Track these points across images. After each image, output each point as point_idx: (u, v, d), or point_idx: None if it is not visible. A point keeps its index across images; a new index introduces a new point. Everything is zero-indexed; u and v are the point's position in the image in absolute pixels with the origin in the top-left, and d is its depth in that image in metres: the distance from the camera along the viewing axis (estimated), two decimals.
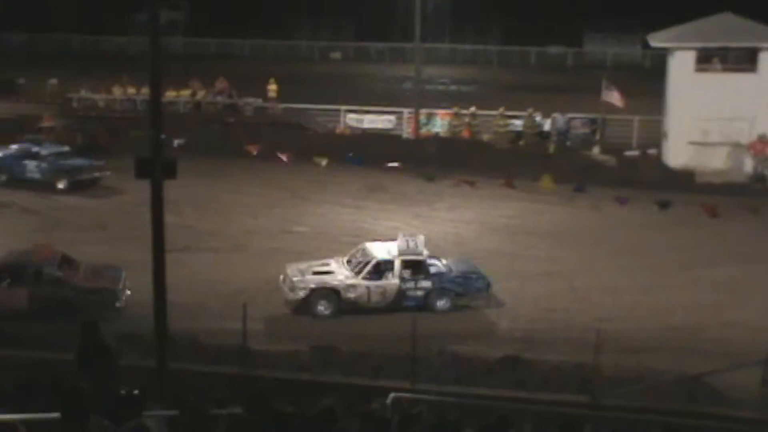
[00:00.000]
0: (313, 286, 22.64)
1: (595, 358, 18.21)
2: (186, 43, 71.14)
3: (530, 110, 39.46)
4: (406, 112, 40.54)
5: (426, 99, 41.45)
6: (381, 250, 23.25)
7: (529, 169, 33.57)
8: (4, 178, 33.38)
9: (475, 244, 28.11)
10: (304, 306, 22.65)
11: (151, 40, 16.16)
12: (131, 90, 42.16)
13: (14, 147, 34.16)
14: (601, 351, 18.16)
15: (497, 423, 10.26)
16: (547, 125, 39.43)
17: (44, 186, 32.81)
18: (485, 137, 39.51)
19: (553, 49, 61.40)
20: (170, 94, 38.90)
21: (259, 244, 27.72)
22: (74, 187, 32.87)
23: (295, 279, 22.81)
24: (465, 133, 39.70)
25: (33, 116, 40.03)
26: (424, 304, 22.71)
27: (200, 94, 41.79)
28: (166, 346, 16.00)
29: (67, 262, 23.19)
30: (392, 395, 15.55)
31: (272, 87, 42.90)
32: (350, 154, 34.07)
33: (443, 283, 23.02)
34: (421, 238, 23.54)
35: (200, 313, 22.12)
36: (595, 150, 38.00)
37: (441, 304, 22.95)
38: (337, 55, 68.82)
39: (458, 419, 9.97)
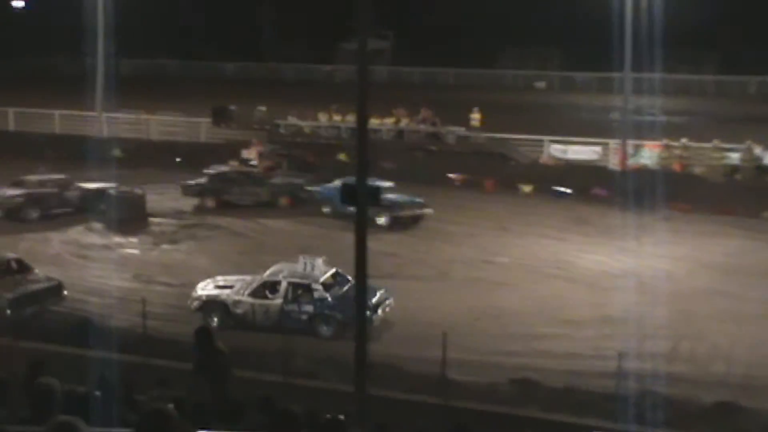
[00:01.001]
0: (204, 298, 23.07)
1: None
2: (391, 72, 72.10)
3: (749, 143, 37.39)
4: (612, 143, 39.24)
5: (634, 130, 40.01)
6: (277, 271, 23.34)
7: (746, 204, 31.72)
8: (329, 210, 32.99)
9: (686, 282, 26.65)
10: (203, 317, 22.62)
11: (358, 69, 16.04)
12: (337, 117, 42.78)
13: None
14: None
15: None
16: (767, 159, 37.23)
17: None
18: (697, 170, 37.68)
19: None
20: (374, 122, 39.13)
21: (462, 273, 27.25)
22: (395, 225, 31.71)
23: (197, 289, 23.43)
24: (675, 166, 37.99)
25: (241, 142, 41.27)
26: (308, 328, 22.23)
27: (404, 122, 41.90)
28: (367, 372, 15.70)
29: None
30: None
31: (475, 116, 42.59)
32: (556, 188, 33.24)
33: (324, 309, 22.37)
34: (318, 262, 23.36)
35: (401, 340, 21.80)
36: None
37: (324, 330, 22.39)
38: (541, 84, 68.01)
39: None
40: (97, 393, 8.70)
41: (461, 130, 41.57)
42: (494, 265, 28.20)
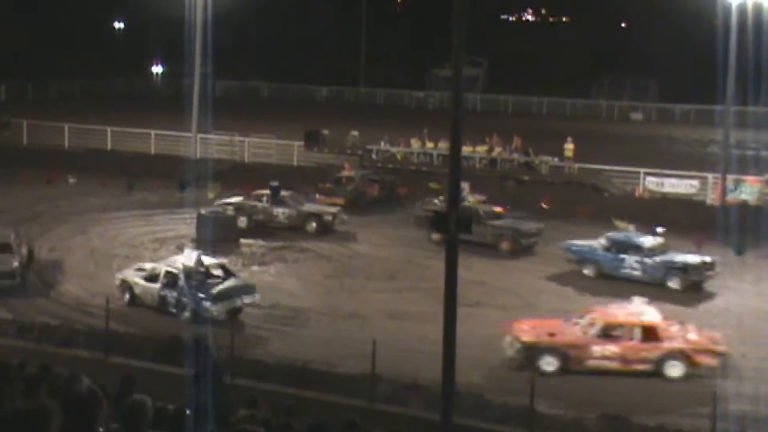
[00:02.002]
0: (120, 277, 25.99)
1: None
2: (483, 100, 71.81)
3: None
4: (711, 177, 38.29)
5: (734, 164, 39.00)
6: (174, 260, 26.18)
7: None
8: (591, 271, 29.72)
9: None
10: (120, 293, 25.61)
11: (453, 96, 15.86)
12: (429, 144, 42.68)
13: (607, 237, 30.02)
14: None
15: None
16: None
17: (650, 285, 27.54)
18: None
19: None
20: (467, 150, 38.93)
21: (548, 304, 26.78)
22: (689, 289, 28.16)
23: (123, 271, 26.51)
24: None
25: (334, 166, 41.44)
26: (177, 312, 24.56)
27: (497, 151, 41.58)
28: (452, 400, 15.40)
29: None
30: None
31: (569, 146, 42.08)
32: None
33: (182, 296, 24.40)
34: (193, 254, 25.84)
35: (486, 369, 21.46)
36: None
37: (183, 314, 24.38)
38: (638, 115, 66.97)
39: None
40: (188, 411, 8.65)
41: (554, 160, 41.09)
42: (583, 296, 27.61)
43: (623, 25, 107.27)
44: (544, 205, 36.48)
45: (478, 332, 22.69)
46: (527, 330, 22.45)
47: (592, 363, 21.76)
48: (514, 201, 36.82)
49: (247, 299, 25.07)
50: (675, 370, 21.54)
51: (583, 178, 39.82)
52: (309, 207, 34.94)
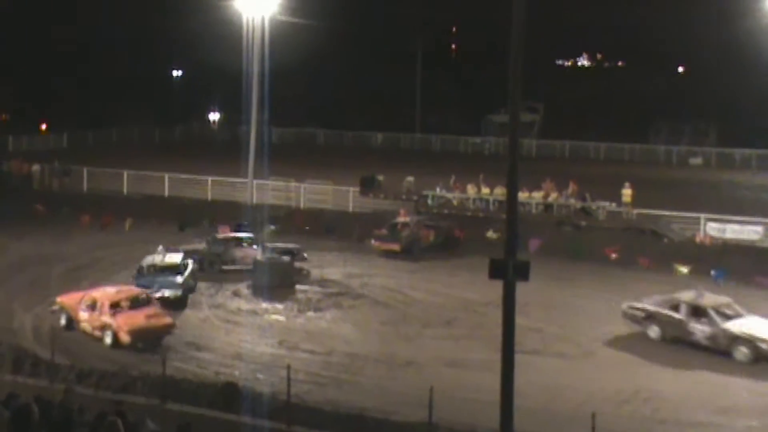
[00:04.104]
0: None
1: None
2: (539, 145, 71.60)
3: None
4: None
5: None
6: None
7: None
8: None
9: None
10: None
11: (510, 142, 15.79)
12: (485, 190, 42.49)
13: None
14: None
15: None
16: None
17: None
18: None
19: None
20: (523, 195, 38.66)
21: (609, 353, 26.32)
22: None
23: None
24: None
25: (389, 212, 41.40)
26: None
27: (552, 196, 41.26)
28: None
29: None
30: None
31: (627, 191, 41.60)
32: (714, 272, 32.00)
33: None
34: (161, 249, 32.27)
35: (546, 420, 21.06)
36: None
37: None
38: (697, 160, 66.26)
39: None
40: None
41: (611, 205, 40.62)
42: (644, 344, 27.11)
43: (680, 69, 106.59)
44: (613, 255, 36.06)
45: (536, 381, 22.38)
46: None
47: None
48: (571, 247, 36.51)
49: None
50: None
51: (643, 224, 39.28)
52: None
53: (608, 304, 30.40)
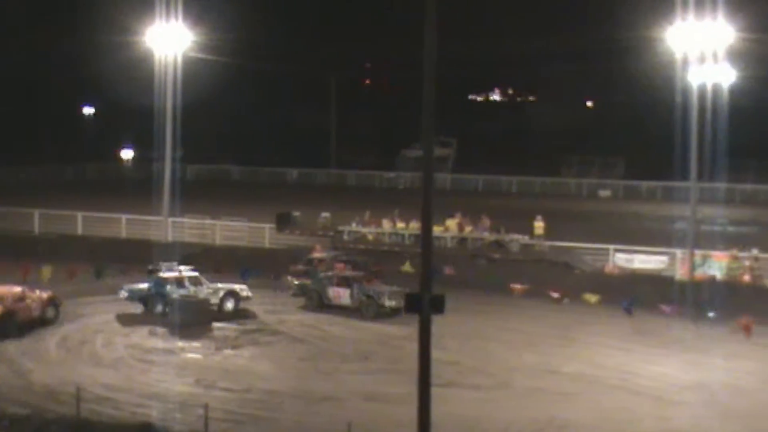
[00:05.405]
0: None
1: None
2: (454, 179, 72.52)
3: None
4: (679, 253, 38.71)
5: (701, 240, 39.51)
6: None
7: None
8: None
9: (757, 395, 25.84)
10: None
11: (424, 176, 16.12)
12: (400, 224, 42.90)
13: None
14: None
15: None
16: None
17: None
18: None
19: None
20: (437, 229, 39.16)
21: (524, 383, 26.77)
22: None
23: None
24: (745, 277, 37.32)
25: (305, 248, 41.51)
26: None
27: (467, 230, 41.86)
28: None
29: None
30: None
31: (539, 224, 42.45)
32: (625, 302, 32.94)
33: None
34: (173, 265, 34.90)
35: None
36: None
37: None
38: (606, 192, 67.87)
39: None
40: None
41: (524, 238, 41.40)
42: (557, 375, 27.67)
43: (588, 104, 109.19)
44: (516, 286, 36.79)
45: (453, 413, 22.66)
46: None
47: None
48: (484, 280, 37.10)
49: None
50: None
51: (555, 256, 40.11)
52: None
53: (521, 335, 30.90)
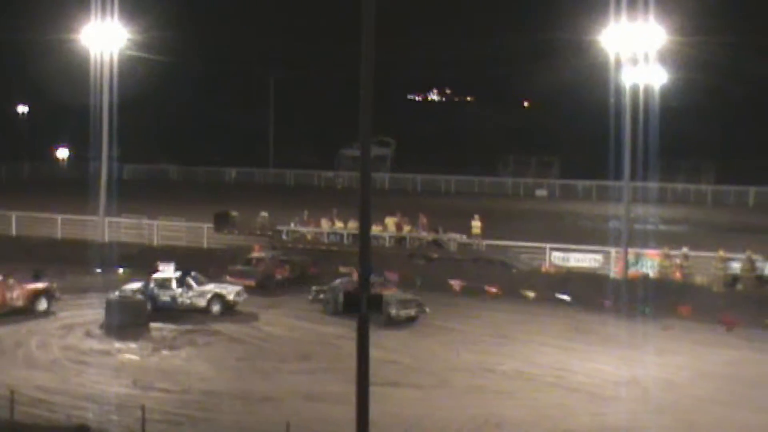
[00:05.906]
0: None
1: None
2: (392, 179, 72.77)
3: (749, 253, 37.51)
4: (613, 251, 39.38)
5: (634, 238, 40.23)
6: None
7: (746, 315, 31.68)
8: None
9: (686, 390, 26.35)
10: None
11: (361, 176, 16.23)
12: (339, 224, 42.99)
13: None
14: None
15: None
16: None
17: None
18: (698, 279, 37.73)
19: None
20: (375, 229, 39.33)
21: (462, 382, 27.02)
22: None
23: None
24: (676, 275, 38.07)
25: (244, 247, 41.42)
26: None
27: (405, 229, 42.10)
28: None
29: None
30: None
31: (476, 223, 42.84)
32: (559, 295, 33.42)
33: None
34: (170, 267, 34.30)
35: None
36: None
37: None
38: (543, 192, 68.65)
39: None
40: None
41: (462, 238, 41.75)
42: (495, 374, 27.98)
43: (525, 104, 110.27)
44: (454, 284, 37.11)
45: (393, 412, 22.83)
46: None
47: None
48: (423, 279, 37.35)
49: None
50: None
51: (492, 255, 40.52)
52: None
53: (460, 333, 31.18)
